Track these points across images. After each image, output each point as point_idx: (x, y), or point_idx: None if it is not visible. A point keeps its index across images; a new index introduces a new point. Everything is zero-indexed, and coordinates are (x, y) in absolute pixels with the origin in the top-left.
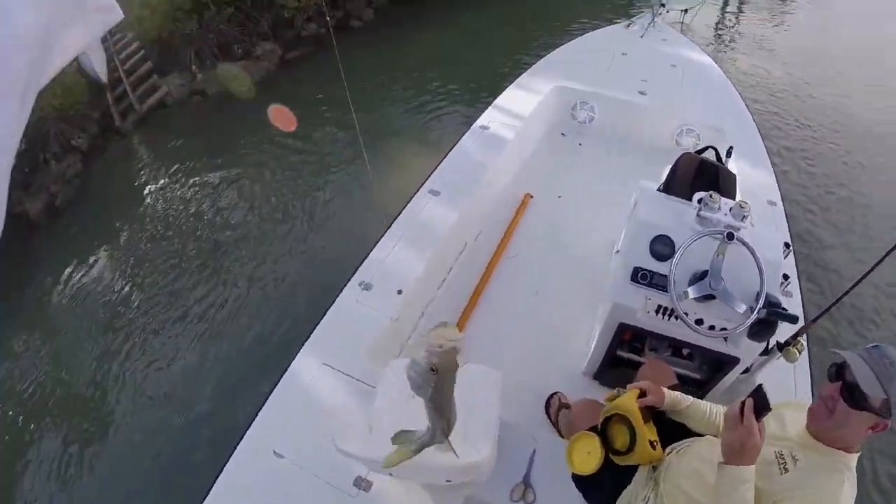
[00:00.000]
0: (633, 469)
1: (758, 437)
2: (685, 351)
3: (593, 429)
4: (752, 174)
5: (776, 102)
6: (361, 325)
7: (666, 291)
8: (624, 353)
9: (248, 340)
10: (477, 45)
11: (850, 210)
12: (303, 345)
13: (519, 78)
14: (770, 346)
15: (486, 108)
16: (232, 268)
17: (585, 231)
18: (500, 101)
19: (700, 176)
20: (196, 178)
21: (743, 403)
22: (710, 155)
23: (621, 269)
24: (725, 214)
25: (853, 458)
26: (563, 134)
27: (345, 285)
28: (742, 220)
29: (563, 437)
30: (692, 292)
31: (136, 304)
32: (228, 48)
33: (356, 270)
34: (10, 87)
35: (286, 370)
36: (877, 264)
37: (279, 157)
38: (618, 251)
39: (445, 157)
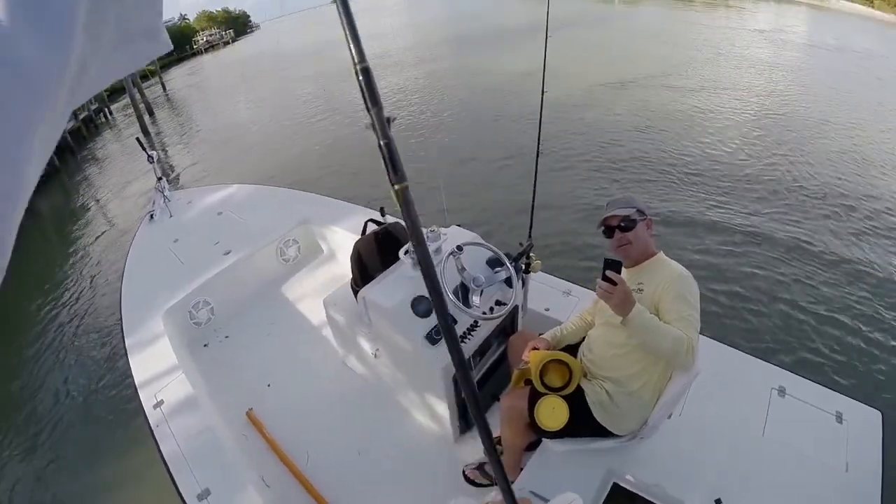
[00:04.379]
0: (580, 391)
1: (626, 285)
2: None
3: (533, 395)
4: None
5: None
6: None
7: (456, 323)
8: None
9: None
10: None
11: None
12: None
13: (126, 343)
14: (521, 277)
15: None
16: None
17: None
18: (138, 377)
19: (382, 246)
20: None
21: (605, 277)
22: (372, 226)
23: (416, 348)
24: (429, 245)
25: (660, 254)
26: (205, 345)
27: None
28: (439, 238)
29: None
30: (475, 299)
31: None
32: None
33: None
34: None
35: None
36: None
37: None
38: (376, 354)
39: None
